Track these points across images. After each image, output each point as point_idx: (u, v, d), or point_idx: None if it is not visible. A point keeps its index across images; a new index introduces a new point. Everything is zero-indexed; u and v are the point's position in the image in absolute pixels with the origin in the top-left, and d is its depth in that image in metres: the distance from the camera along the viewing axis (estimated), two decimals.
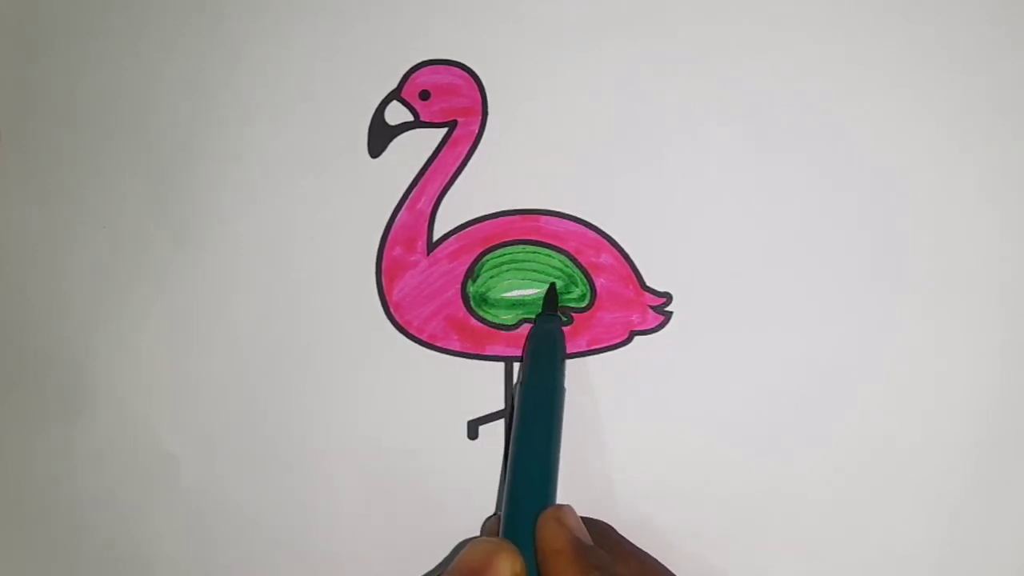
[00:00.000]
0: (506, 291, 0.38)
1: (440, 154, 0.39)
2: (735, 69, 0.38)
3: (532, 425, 0.34)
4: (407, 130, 0.39)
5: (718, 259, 0.38)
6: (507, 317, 0.38)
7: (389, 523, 0.38)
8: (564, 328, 0.38)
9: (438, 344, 0.38)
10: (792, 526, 0.37)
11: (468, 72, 0.39)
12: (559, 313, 0.38)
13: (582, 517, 0.32)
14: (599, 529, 0.34)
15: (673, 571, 0.33)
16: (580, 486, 0.37)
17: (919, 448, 0.37)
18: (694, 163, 0.38)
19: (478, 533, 0.37)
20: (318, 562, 0.38)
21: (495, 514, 0.37)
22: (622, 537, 0.35)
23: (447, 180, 0.38)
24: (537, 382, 0.35)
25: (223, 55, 0.40)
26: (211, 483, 0.39)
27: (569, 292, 0.38)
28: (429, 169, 0.39)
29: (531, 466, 0.33)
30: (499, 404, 0.38)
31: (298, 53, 0.40)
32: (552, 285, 0.38)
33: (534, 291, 0.38)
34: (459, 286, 0.38)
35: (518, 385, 0.36)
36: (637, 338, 0.38)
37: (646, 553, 0.34)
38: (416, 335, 0.38)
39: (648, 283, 0.38)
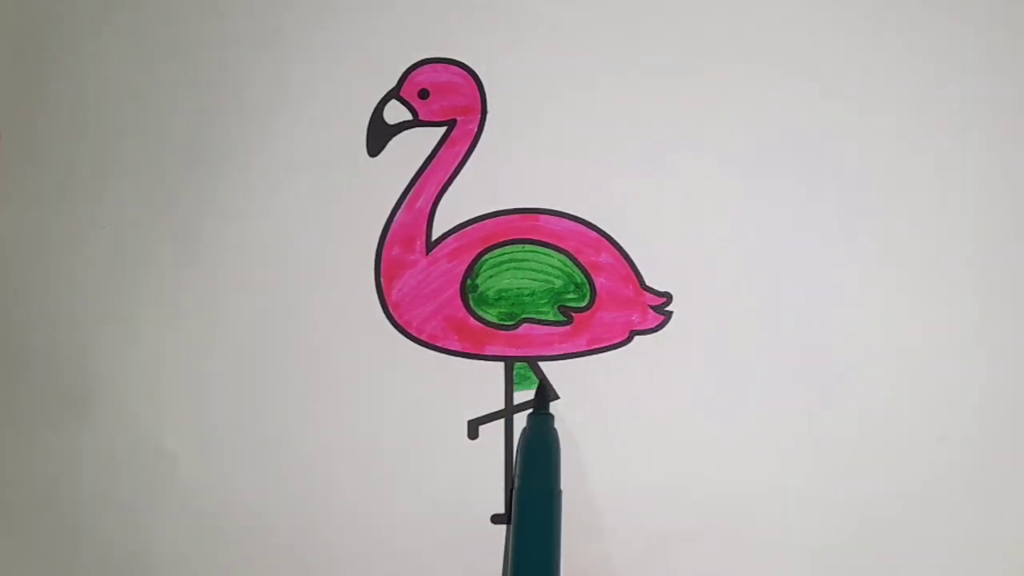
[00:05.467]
0: (505, 291, 0.38)
1: (439, 153, 0.39)
2: (734, 69, 0.38)
3: (531, 535, 0.34)
4: (406, 129, 0.39)
5: (718, 259, 0.37)
6: (506, 317, 0.38)
7: (389, 522, 0.38)
8: (563, 328, 0.37)
9: (437, 344, 0.38)
10: (792, 525, 0.37)
11: (467, 71, 0.39)
12: (549, 408, 0.37)
13: None
14: None
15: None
16: (580, 487, 0.37)
17: (918, 447, 0.37)
18: (694, 163, 0.38)
19: (477, 533, 0.37)
20: (318, 561, 0.38)
21: None
22: None
23: (446, 179, 0.38)
24: (533, 488, 0.35)
25: (222, 55, 0.40)
26: (211, 483, 0.39)
27: (568, 291, 0.38)
28: (428, 168, 0.38)
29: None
30: (499, 404, 0.38)
31: (298, 52, 0.40)
32: (541, 382, 0.38)
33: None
34: (458, 286, 0.38)
35: (514, 490, 0.36)
36: (637, 338, 0.38)
37: None
38: (415, 335, 0.38)
39: (648, 283, 0.38)
